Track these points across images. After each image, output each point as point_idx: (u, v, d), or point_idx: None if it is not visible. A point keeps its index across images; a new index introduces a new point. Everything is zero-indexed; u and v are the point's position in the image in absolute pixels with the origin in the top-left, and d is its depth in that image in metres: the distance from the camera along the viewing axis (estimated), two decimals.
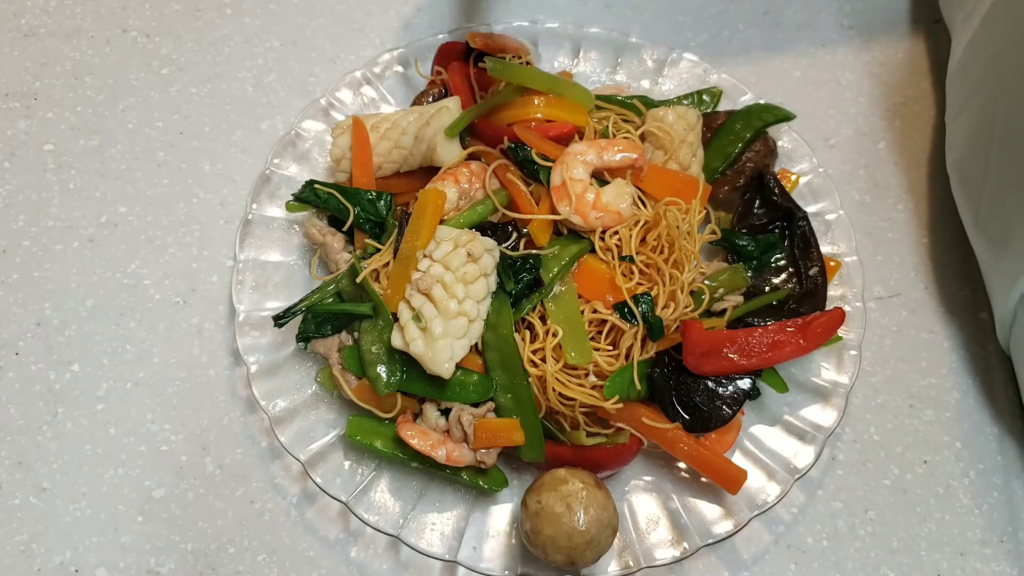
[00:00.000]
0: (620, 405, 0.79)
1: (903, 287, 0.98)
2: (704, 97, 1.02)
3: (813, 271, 0.89)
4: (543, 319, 0.82)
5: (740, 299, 0.87)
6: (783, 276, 0.90)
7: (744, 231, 0.92)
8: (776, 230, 0.92)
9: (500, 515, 0.81)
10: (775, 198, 0.92)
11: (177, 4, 1.14)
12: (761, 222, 0.92)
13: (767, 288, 0.89)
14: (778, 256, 0.90)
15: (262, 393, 0.83)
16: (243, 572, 0.81)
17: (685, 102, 1.01)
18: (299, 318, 0.84)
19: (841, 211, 0.95)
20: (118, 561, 0.81)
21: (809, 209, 0.94)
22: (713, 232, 0.90)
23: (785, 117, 0.97)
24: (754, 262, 0.90)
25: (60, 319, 0.92)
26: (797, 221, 0.91)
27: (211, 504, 0.83)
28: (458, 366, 0.78)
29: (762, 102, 1.00)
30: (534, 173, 0.86)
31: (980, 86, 0.89)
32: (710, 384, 0.82)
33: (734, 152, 0.94)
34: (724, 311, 0.86)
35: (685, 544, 0.79)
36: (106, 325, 0.92)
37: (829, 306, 0.88)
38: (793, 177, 0.98)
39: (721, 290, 0.86)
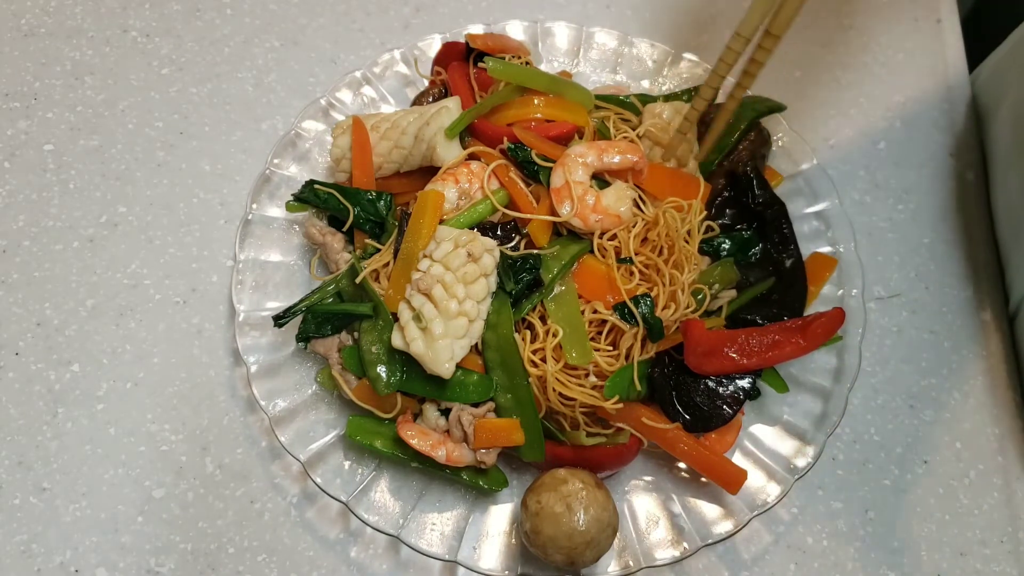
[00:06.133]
0: (620, 405, 0.79)
1: (903, 287, 0.98)
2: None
3: (790, 262, 0.89)
4: (543, 319, 0.82)
5: (733, 293, 0.88)
6: (762, 269, 0.90)
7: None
8: (750, 228, 0.92)
9: (500, 515, 0.82)
10: (746, 199, 0.91)
11: (177, 4, 1.14)
12: (736, 221, 0.92)
13: (752, 280, 0.89)
14: (754, 251, 0.90)
15: (262, 393, 0.83)
16: (243, 572, 0.81)
17: (684, 98, 1.00)
18: (299, 318, 0.84)
19: (841, 211, 0.95)
20: (118, 561, 0.81)
21: (809, 209, 0.94)
22: (711, 229, 0.90)
23: (776, 108, 0.97)
24: (733, 260, 0.90)
25: (60, 319, 0.92)
26: (771, 217, 0.90)
27: (211, 504, 0.83)
28: (458, 366, 0.78)
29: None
30: (534, 173, 0.86)
31: None
32: (710, 384, 0.82)
33: (729, 143, 0.94)
34: (720, 308, 0.86)
35: (685, 544, 0.79)
36: (106, 325, 0.92)
37: (829, 306, 0.88)
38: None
39: (717, 286, 0.86)
